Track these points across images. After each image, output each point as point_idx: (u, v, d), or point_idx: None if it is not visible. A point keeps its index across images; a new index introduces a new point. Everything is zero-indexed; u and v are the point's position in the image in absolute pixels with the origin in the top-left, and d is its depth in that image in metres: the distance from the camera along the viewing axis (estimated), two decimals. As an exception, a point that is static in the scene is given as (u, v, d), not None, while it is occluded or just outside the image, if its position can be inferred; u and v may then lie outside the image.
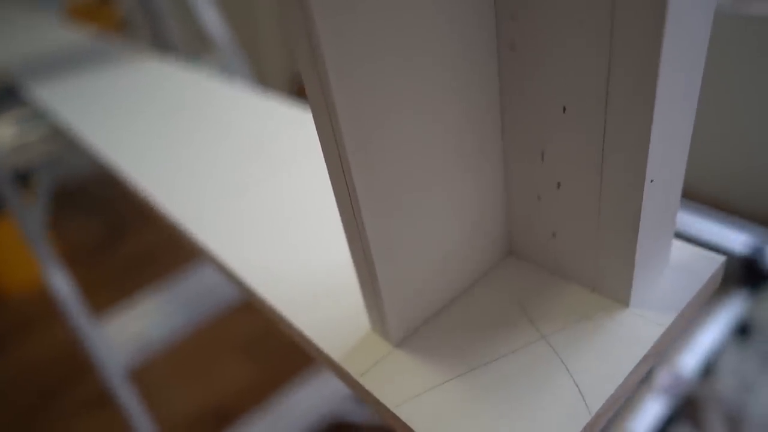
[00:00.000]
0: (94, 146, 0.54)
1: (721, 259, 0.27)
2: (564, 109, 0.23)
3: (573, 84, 0.22)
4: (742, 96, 1.03)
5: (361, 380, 0.25)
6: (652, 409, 0.89)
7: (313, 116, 0.20)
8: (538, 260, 0.29)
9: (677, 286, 0.26)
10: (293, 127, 0.51)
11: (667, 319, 0.25)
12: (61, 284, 0.82)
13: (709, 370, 1.08)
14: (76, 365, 1.45)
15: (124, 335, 0.84)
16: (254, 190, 0.41)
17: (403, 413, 0.23)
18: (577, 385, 0.23)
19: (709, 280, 0.26)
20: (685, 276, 0.27)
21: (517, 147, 0.26)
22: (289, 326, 0.29)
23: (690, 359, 0.96)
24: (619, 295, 0.26)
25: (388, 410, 0.24)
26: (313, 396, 0.99)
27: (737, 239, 1.01)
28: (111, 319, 0.88)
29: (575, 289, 0.27)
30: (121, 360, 0.82)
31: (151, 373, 1.41)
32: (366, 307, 0.26)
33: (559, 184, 0.25)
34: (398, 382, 0.24)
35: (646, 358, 0.24)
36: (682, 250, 0.28)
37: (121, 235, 2.01)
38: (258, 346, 1.44)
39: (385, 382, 0.25)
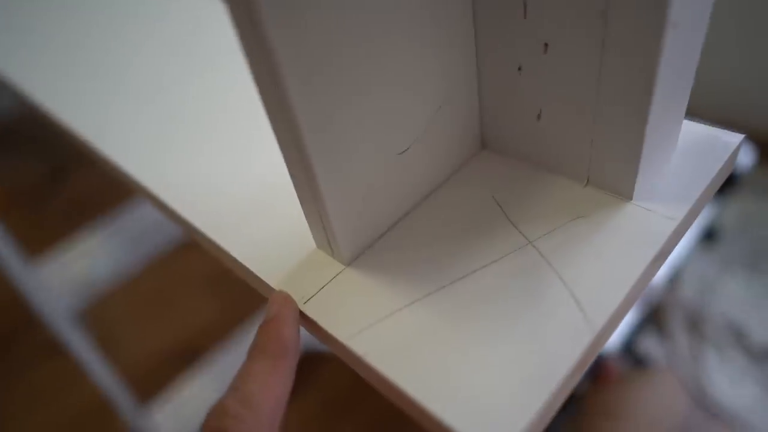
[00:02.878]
0: (7, 79, 0.45)
1: (738, 138, 0.22)
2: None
3: None
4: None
5: (304, 308, 0.20)
6: (626, 318, 0.89)
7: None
8: (520, 151, 0.23)
9: (688, 173, 0.21)
10: (219, 22, 0.43)
11: (679, 213, 0.20)
12: (-13, 227, 0.74)
13: (674, 277, 1.09)
14: (23, 313, 1.38)
15: (65, 277, 0.77)
16: (175, 95, 0.34)
17: (358, 346, 0.18)
18: (574, 298, 0.18)
19: (725, 165, 0.22)
20: (697, 160, 0.22)
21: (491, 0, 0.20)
22: (219, 250, 0.24)
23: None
24: (621, 187, 0.21)
25: (338, 342, 0.19)
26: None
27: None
28: (50, 261, 0.80)
29: (565, 183, 0.22)
30: (65, 303, 0.76)
31: (111, 316, 1.35)
32: (308, 221, 0.21)
33: (546, 46, 0.19)
34: (351, 308, 0.19)
35: (655, 259, 0.19)
36: (696, 131, 0.23)
37: (62, 177, 1.88)
38: (219, 280, 1.39)
39: (334, 310, 0.19)
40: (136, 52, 0.40)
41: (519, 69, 0.21)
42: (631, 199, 0.21)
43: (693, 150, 0.22)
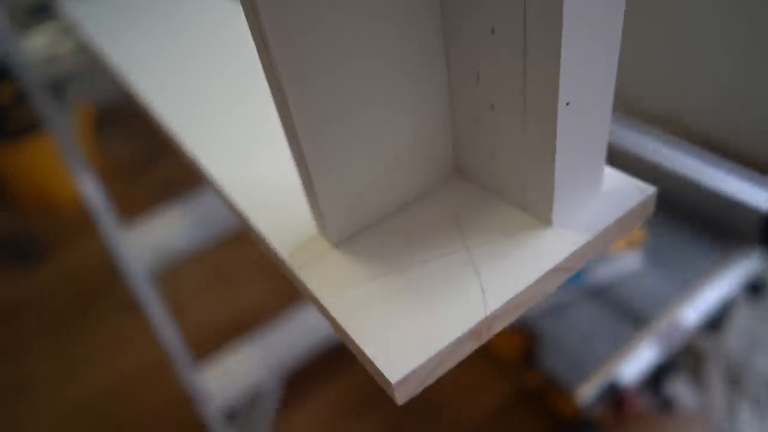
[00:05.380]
0: (111, 64, 0.57)
1: (650, 190, 0.28)
2: (492, 30, 0.24)
3: (499, 5, 0.23)
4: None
5: (299, 273, 0.28)
6: (645, 355, 0.91)
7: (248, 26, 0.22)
8: (480, 180, 0.30)
9: (602, 211, 0.28)
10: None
11: (581, 239, 0.26)
12: (93, 193, 0.88)
13: (716, 325, 1.08)
14: (111, 271, 1.56)
15: (147, 244, 0.90)
16: (253, 103, 0.44)
17: (329, 303, 0.26)
18: (481, 287, 0.25)
19: (634, 209, 0.28)
20: (612, 202, 0.28)
21: (457, 69, 0.27)
22: (250, 227, 0.32)
23: (692, 312, 0.96)
24: (543, 216, 0.27)
25: (318, 300, 0.27)
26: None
27: (761, 196, 0.98)
28: (136, 228, 0.94)
29: (508, 208, 0.29)
30: (144, 266, 0.89)
31: (180, 284, 1.51)
32: (311, 210, 0.29)
33: (492, 106, 0.26)
34: (330, 276, 0.27)
35: (553, 271, 0.26)
36: (618, 179, 0.29)
37: (155, 157, 2.09)
38: (272, 267, 1.51)
39: (319, 276, 0.27)
40: (234, 55, 0.50)
41: (477, 120, 0.28)
42: (551, 224, 0.27)
43: (613, 194, 0.28)
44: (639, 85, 1.22)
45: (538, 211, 0.27)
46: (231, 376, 0.99)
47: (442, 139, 0.30)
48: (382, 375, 0.23)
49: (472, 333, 0.24)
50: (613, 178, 0.29)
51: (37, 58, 0.77)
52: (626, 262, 1.02)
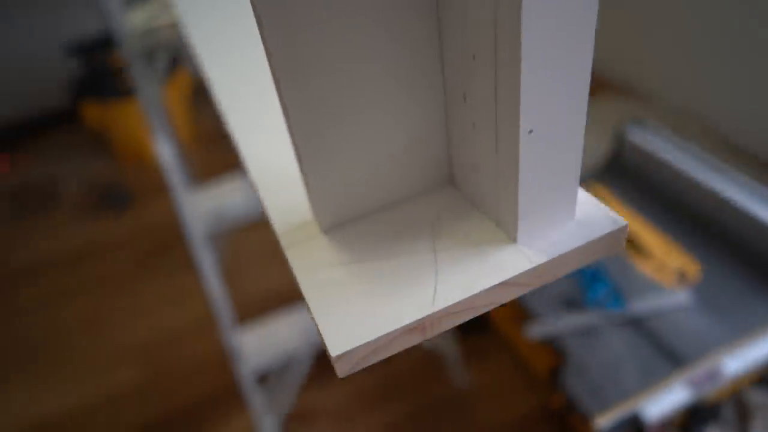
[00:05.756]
0: (190, 41, 0.63)
1: (622, 223, 0.29)
2: (474, 57, 0.26)
3: (478, 35, 0.25)
4: None
5: (286, 251, 0.32)
6: (676, 395, 0.88)
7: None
8: (466, 191, 0.33)
9: (567, 236, 0.29)
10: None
11: (539, 260, 0.28)
12: (168, 155, 0.97)
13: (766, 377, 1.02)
14: (177, 231, 1.70)
15: (207, 207, 0.98)
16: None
17: (302, 280, 0.30)
18: (435, 287, 0.28)
19: (600, 239, 0.29)
20: (579, 230, 0.29)
21: (450, 86, 0.29)
22: (262, 205, 0.37)
23: (739, 362, 0.92)
24: (510, 232, 0.29)
25: (295, 277, 0.30)
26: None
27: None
28: (201, 192, 1.03)
29: (483, 221, 0.31)
30: (202, 228, 0.97)
31: (242, 251, 1.61)
32: (308, 198, 0.33)
33: (474, 125, 0.29)
34: (311, 258, 0.31)
35: (505, 284, 0.28)
36: (594, 209, 0.30)
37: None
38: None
39: (301, 256, 0.31)
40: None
41: (463, 135, 0.30)
42: (515, 242, 0.29)
43: (584, 221, 0.30)
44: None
45: (506, 227, 0.29)
46: (267, 342, 1.06)
47: (437, 148, 0.32)
48: (326, 347, 0.26)
49: (417, 326, 0.27)
50: (590, 206, 0.30)
51: (136, 30, 0.86)
52: (675, 297, 0.98)
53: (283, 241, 0.32)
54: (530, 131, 0.25)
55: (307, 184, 0.30)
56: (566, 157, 0.27)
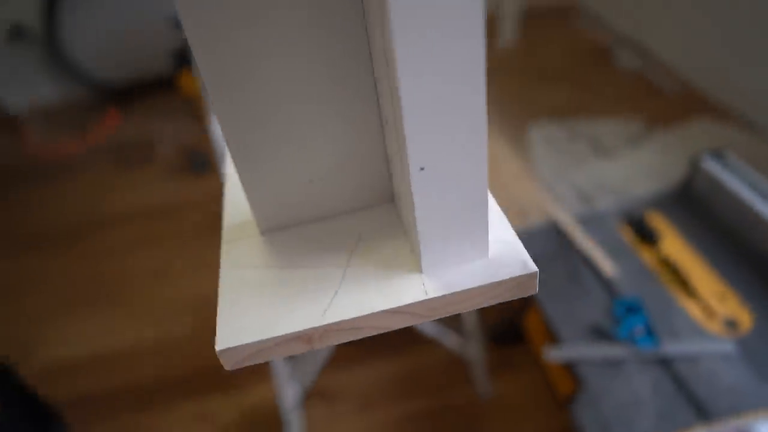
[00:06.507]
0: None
1: (532, 269, 0.29)
2: (391, 92, 0.27)
3: (379, 66, 0.26)
4: None
5: (222, 245, 0.34)
6: (695, 448, 0.82)
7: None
8: (399, 213, 0.34)
9: (472, 275, 0.29)
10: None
11: (434, 293, 0.29)
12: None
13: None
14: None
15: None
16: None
17: (223, 275, 0.32)
18: (331, 302, 0.29)
19: (504, 282, 0.29)
20: (486, 269, 0.30)
21: (382, 110, 0.30)
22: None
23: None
24: (417, 262, 0.30)
25: (220, 272, 0.33)
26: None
27: None
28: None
29: (402, 246, 0.32)
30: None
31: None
32: (253, 199, 0.35)
33: (391, 154, 0.30)
34: (241, 256, 0.33)
35: (395, 312, 0.29)
36: (510, 251, 0.30)
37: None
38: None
39: (233, 253, 0.34)
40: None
41: (389, 160, 0.31)
42: (420, 272, 0.30)
43: (495, 262, 0.30)
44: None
45: (416, 256, 0.30)
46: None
47: (377, 167, 0.34)
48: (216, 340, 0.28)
49: (302, 336, 0.28)
50: (508, 247, 0.30)
51: None
52: (716, 344, 0.91)
53: (224, 236, 0.35)
54: (422, 168, 0.26)
55: (244, 188, 0.33)
56: (468, 196, 0.28)
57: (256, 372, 1.34)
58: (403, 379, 1.27)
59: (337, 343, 0.29)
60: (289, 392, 1.14)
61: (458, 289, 0.29)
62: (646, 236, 1.11)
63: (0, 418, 1.04)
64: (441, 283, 0.29)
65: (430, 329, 1.19)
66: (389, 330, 0.30)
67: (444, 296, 0.29)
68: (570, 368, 0.96)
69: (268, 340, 0.28)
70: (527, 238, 1.12)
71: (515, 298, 0.30)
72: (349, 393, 1.26)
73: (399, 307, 0.29)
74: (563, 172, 1.74)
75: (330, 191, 0.34)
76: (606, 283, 1.03)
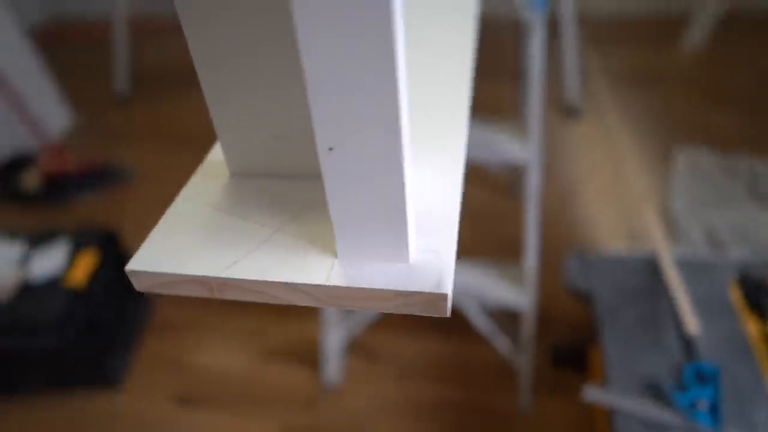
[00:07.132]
0: None
1: (442, 291, 0.26)
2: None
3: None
4: None
5: (193, 177, 0.36)
6: None
7: None
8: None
9: (382, 276, 0.27)
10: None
11: (335, 281, 0.27)
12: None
13: None
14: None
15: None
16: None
17: (176, 203, 0.33)
18: (241, 259, 0.29)
19: (409, 294, 0.27)
20: (399, 277, 0.27)
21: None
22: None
23: None
24: (334, 251, 0.29)
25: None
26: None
27: None
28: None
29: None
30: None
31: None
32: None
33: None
34: (204, 192, 0.34)
35: (293, 287, 0.28)
36: (435, 265, 0.28)
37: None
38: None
39: (199, 187, 0.35)
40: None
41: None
42: (336, 257, 0.29)
43: (413, 270, 0.27)
44: None
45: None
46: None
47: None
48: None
49: (203, 282, 0.29)
50: (436, 260, 0.28)
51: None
52: None
53: (199, 168, 0.36)
54: (330, 148, 0.24)
55: (215, 126, 0.33)
56: (381, 189, 0.25)
57: (311, 309, 1.41)
58: (448, 364, 1.25)
59: (239, 299, 0.29)
60: (333, 335, 1.19)
61: (360, 285, 0.27)
62: (759, 304, 0.95)
63: (103, 276, 1.21)
64: (347, 275, 0.28)
65: (484, 327, 1.15)
66: (292, 304, 0.29)
67: (344, 288, 0.27)
68: (610, 415, 0.88)
69: (172, 275, 0.29)
70: (618, 264, 1.01)
71: (426, 315, 0.28)
72: (391, 358, 1.27)
73: (297, 284, 0.28)
74: (701, 207, 1.54)
75: (296, 152, 0.33)
76: (685, 341, 0.91)
